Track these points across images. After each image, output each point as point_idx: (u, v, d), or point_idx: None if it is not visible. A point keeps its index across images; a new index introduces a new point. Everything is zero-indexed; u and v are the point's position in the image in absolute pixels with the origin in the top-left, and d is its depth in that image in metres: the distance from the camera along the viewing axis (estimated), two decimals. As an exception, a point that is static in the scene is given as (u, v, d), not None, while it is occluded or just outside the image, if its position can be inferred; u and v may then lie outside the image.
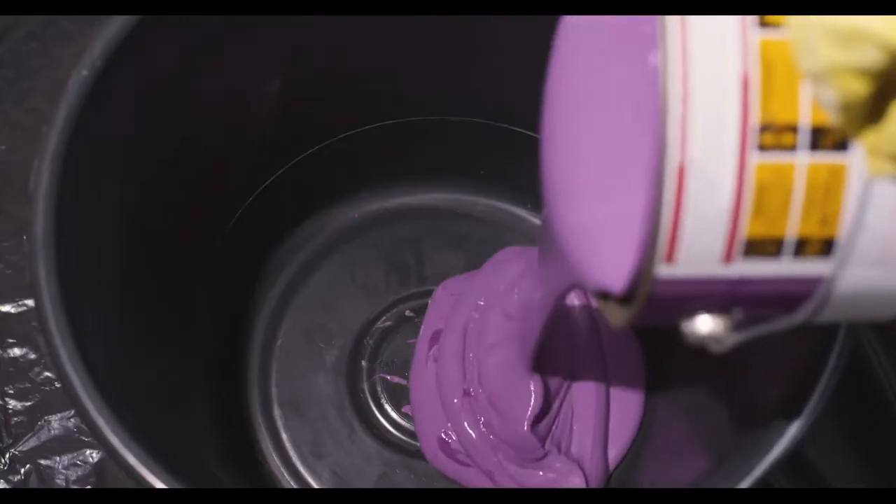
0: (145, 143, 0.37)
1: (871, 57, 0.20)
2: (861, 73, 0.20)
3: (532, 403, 0.43)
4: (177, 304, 0.42)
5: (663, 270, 0.22)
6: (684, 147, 0.21)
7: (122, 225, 0.37)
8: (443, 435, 0.46)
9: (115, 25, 0.33)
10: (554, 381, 0.45)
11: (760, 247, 0.22)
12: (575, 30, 0.27)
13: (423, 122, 0.47)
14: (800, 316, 0.23)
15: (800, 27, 0.21)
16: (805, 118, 0.21)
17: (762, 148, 0.21)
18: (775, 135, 0.21)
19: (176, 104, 0.38)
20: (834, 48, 0.20)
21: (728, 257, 0.22)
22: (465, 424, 0.45)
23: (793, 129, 0.21)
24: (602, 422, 0.45)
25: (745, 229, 0.22)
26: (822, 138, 0.22)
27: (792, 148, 0.22)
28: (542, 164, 0.29)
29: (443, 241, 0.50)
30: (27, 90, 0.51)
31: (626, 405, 0.46)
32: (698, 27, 0.21)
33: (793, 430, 0.31)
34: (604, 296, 0.25)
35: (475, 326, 0.46)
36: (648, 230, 0.22)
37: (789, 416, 0.31)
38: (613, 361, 0.46)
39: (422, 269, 0.49)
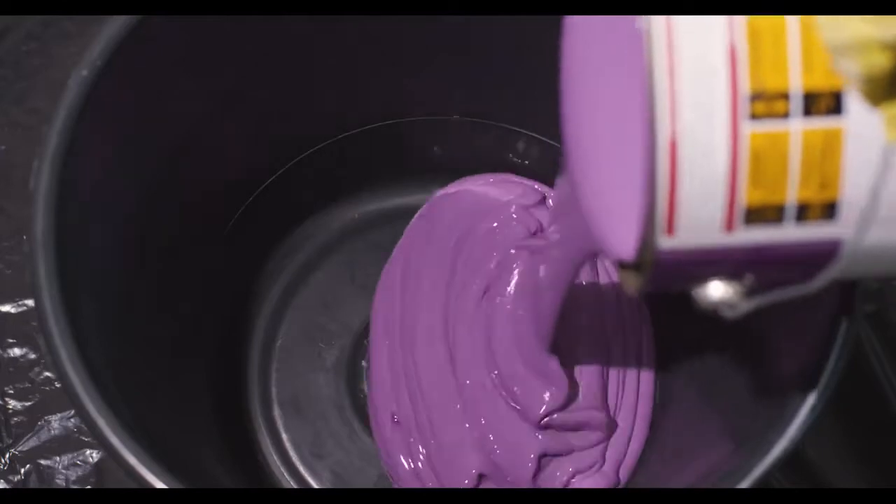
0: (145, 143, 0.37)
1: None
2: (888, 48, 0.20)
3: (552, 391, 0.41)
4: (177, 304, 0.42)
5: (664, 241, 0.23)
6: (674, 120, 0.21)
7: (122, 224, 0.37)
8: (385, 465, 0.44)
9: (115, 25, 0.33)
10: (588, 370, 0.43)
11: (761, 214, 0.22)
12: (581, 21, 0.28)
13: (424, 122, 0.47)
14: (816, 283, 0.23)
15: None
16: (796, 85, 0.22)
17: (754, 117, 0.22)
18: (767, 103, 0.22)
19: (176, 104, 0.38)
20: (864, 23, 0.20)
21: (729, 226, 0.22)
22: (401, 458, 0.43)
23: (784, 96, 0.22)
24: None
25: (744, 197, 0.22)
26: (814, 104, 0.22)
27: (785, 115, 0.22)
28: (563, 134, 0.30)
29: (443, 241, 0.50)
30: (27, 90, 0.51)
31: (643, 402, 0.45)
32: None
33: (793, 430, 0.31)
34: (621, 263, 0.26)
35: (396, 318, 0.45)
36: (647, 203, 0.22)
37: (789, 416, 0.31)
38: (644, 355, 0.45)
39: (422, 269, 0.49)
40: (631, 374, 0.45)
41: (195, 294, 0.44)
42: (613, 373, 0.44)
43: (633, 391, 0.44)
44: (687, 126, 0.21)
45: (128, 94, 0.35)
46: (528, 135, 0.46)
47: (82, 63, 0.33)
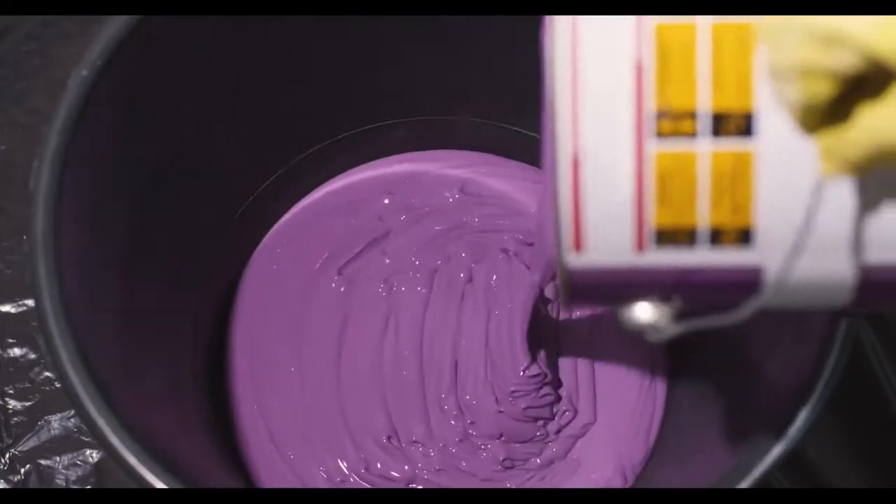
0: (145, 143, 0.37)
1: (847, 61, 0.19)
2: (831, 76, 0.20)
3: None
4: (177, 304, 0.42)
5: (573, 258, 0.22)
6: (576, 137, 0.21)
7: (122, 224, 0.37)
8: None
9: (115, 25, 0.33)
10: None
11: (672, 236, 0.22)
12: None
13: (423, 122, 0.47)
14: (744, 311, 0.22)
15: (775, 22, 0.20)
16: (704, 104, 0.21)
17: (660, 135, 0.21)
18: (673, 122, 0.21)
19: (176, 104, 0.38)
20: (811, 48, 0.20)
21: (640, 246, 0.22)
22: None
23: (691, 115, 0.21)
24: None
25: (653, 219, 0.21)
26: (723, 124, 0.21)
27: (692, 135, 0.21)
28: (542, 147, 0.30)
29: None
30: (27, 90, 0.51)
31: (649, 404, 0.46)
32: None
33: (793, 431, 0.31)
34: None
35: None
36: (553, 220, 0.22)
37: (789, 416, 0.31)
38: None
39: (422, 268, 0.49)
40: (643, 377, 0.45)
41: (195, 294, 0.44)
42: (635, 376, 0.45)
43: (645, 394, 0.45)
44: (589, 143, 0.21)
45: (128, 94, 0.35)
46: (529, 135, 0.46)
47: (82, 63, 0.33)
